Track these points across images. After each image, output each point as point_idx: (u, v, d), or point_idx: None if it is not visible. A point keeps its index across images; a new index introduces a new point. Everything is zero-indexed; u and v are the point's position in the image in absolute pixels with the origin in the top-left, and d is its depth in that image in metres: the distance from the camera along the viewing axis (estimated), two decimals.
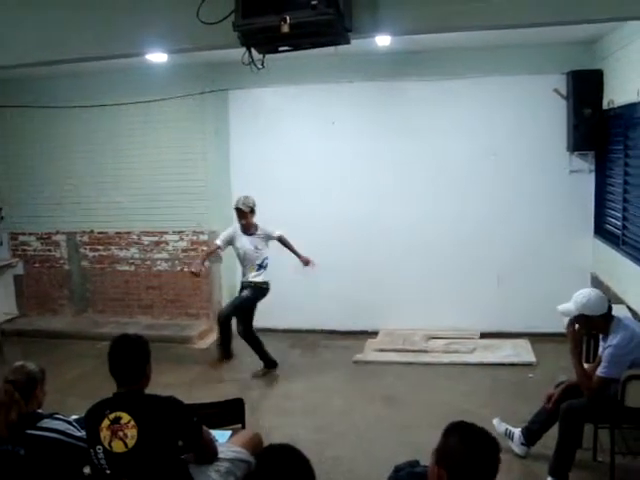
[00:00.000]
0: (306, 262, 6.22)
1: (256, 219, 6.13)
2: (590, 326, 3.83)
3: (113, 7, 3.83)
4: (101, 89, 7.57)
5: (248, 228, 6.13)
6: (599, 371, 3.69)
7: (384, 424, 4.99)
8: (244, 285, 6.23)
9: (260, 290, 6.17)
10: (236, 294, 6.43)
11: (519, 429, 4.30)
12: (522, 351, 6.43)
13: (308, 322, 7.21)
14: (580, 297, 3.79)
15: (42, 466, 2.68)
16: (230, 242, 6.25)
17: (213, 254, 6.61)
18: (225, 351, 6.42)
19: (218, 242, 6.31)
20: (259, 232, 6.15)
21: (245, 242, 6.14)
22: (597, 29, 5.73)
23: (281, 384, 5.95)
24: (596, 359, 4.10)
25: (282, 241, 6.22)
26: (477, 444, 2.02)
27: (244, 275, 6.24)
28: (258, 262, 6.13)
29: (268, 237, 6.19)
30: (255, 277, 6.14)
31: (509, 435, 4.31)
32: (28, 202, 8.16)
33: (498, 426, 4.38)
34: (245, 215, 6.04)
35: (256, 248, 6.12)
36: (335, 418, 5.14)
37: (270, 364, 6.23)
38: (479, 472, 1.99)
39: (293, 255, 6.19)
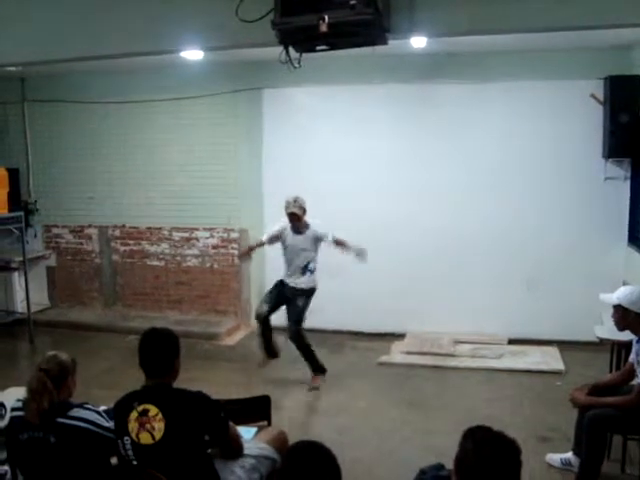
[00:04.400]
0: (360, 254, 5.86)
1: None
2: (625, 321, 3.72)
3: (152, 4, 3.88)
4: (135, 85, 7.67)
5: (300, 227, 5.85)
6: None
7: (408, 427, 4.96)
8: (291, 290, 5.93)
9: (310, 292, 5.96)
10: (269, 288, 6.15)
11: (570, 453, 4.14)
12: (551, 359, 6.36)
13: (335, 323, 7.20)
14: (624, 289, 3.78)
15: (71, 454, 2.72)
16: (277, 239, 5.99)
17: (257, 248, 6.27)
18: (270, 350, 6.16)
19: (263, 238, 6.08)
20: (309, 232, 5.84)
21: (294, 241, 5.87)
22: (636, 34, 5.64)
23: (306, 384, 5.94)
24: (626, 365, 4.03)
25: (337, 242, 5.87)
26: (491, 449, 1.96)
27: (289, 276, 5.93)
28: (303, 264, 5.85)
29: (318, 239, 5.87)
30: (302, 283, 5.88)
31: (567, 463, 4.14)
32: (62, 195, 8.30)
33: (553, 461, 4.22)
34: (299, 218, 5.76)
35: (302, 249, 5.85)
36: (359, 420, 5.13)
37: (319, 369, 5.99)
38: (496, 478, 1.94)
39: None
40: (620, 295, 3.72)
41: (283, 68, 3.60)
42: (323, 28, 3.02)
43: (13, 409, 2.86)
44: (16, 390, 3.32)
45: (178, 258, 8.03)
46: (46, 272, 8.52)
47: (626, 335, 4.01)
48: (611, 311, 3.83)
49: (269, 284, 6.32)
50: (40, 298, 8.25)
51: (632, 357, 3.81)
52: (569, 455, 4.15)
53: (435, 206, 7.00)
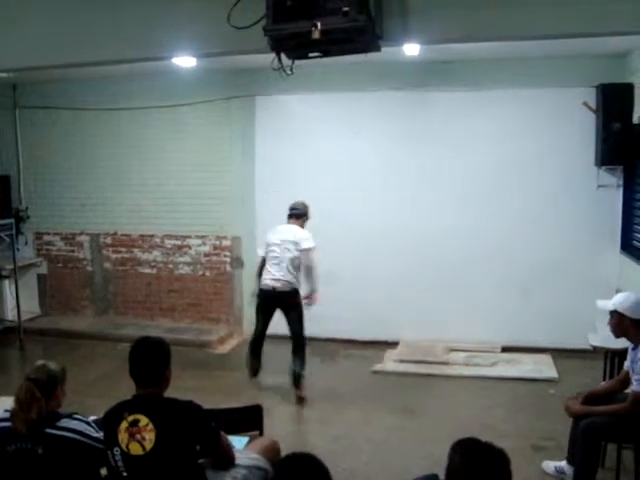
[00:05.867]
0: (307, 297, 5.78)
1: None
2: (621, 327, 3.72)
3: (144, 11, 3.86)
4: (128, 92, 7.65)
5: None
6: (635, 388, 3.58)
7: (402, 436, 4.93)
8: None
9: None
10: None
11: (564, 461, 4.13)
12: (544, 366, 6.35)
13: (328, 331, 7.16)
14: (620, 295, 3.79)
15: (60, 465, 2.68)
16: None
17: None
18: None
19: (261, 253, 5.88)
20: None
21: None
22: (628, 42, 5.66)
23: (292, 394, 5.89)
24: (621, 372, 4.01)
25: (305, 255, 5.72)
26: (479, 460, 1.96)
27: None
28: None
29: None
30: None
31: (561, 471, 4.13)
32: (53, 202, 8.26)
33: (548, 468, 4.21)
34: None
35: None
36: (352, 428, 5.10)
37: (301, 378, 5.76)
38: None
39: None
40: (616, 301, 3.73)
41: (276, 75, 3.59)
42: (315, 35, 3.01)
43: (0, 419, 2.81)
44: (4, 400, 3.27)
45: (170, 266, 7.99)
46: (37, 280, 8.45)
47: (619, 343, 4.02)
48: (605, 319, 3.83)
49: None
50: (31, 306, 8.18)
51: (627, 364, 3.79)
52: (563, 464, 4.14)
53: (429, 213, 7.00)
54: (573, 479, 3.78)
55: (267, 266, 5.75)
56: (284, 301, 5.71)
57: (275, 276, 5.66)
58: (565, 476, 4.06)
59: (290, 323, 5.75)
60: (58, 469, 2.68)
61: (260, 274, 5.85)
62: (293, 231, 5.75)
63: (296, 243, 5.67)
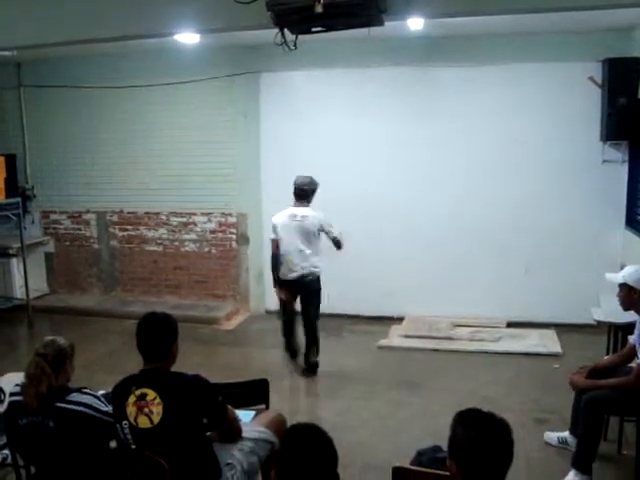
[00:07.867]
0: None
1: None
2: (630, 300, 3.73)
3: None
4: (132, 70, 7.61)
5: None
6: None
7: (406, 410, 4.98)
8: None
9: None
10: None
11: (567, 432, 4.19)
12: (548, 341, 6.38)
13: (333, 306, 7.17)
14: (630, 268, 3.79)
15: (70, 438, 2.73)
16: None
17: None
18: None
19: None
20: None
21: None
22: (634, 16, 5.60)
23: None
24: (625, 347, 4.04)
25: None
26: (480, 429, 1.98)
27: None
28: None
29: None
30: None
31: (564, 442, 4.19)
32: (59, 181, 8.27)
33: (550, 439, 4.28)
34: None
35: None
36: (357, 402, 5.15)
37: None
38: (487, 458, 1.95)
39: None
40: (625, 274, 3.74)
41: (280, 52, 3.58)
42: (318, 9, 3.00)
43: (12, 394, 2.87)
44: (15, 375, 3.33)
45: (176, 243, 8.03)
46: (44, 258, 8.51)
47: (622, 318, 4.04)
48: (609, 293, 3.85)
49: (267, 268, 6.23)
50: (39, 284, 8.24)
51: (634, 338, 3.80)
52: (566, 434, 4.19)
53: (433, 190, 6.99)
54: (575, 451, 3.81)
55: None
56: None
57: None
58: (568, 446, 4.10)
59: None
60: (69, 442, 2.73)
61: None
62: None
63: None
